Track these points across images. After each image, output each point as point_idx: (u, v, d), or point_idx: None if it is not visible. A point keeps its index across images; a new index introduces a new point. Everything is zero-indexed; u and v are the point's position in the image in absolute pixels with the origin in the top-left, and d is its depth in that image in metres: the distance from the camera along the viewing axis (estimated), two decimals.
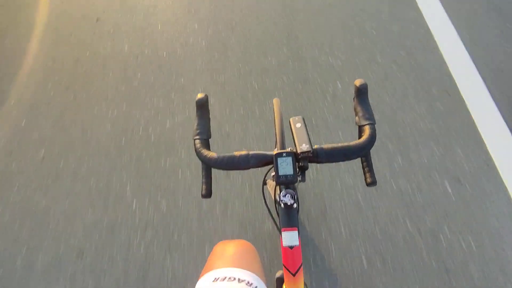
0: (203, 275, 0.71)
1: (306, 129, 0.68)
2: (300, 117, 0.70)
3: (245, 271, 0.70)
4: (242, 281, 0.67)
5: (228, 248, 0.77)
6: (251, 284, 0.67)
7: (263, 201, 0.81)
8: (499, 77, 1.74)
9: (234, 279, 0.67)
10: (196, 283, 0.71)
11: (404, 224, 1.37)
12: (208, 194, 0.71)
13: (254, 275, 0.70)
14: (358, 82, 0.68)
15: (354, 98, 0.70)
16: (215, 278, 0.68)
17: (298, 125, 0.68)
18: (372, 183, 0.68)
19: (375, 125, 0.67)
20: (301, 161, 0.66)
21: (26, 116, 1.81)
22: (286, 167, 0.65)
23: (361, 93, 0.68)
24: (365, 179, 0.69)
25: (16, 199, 1.55)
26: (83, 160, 1.64)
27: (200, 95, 0.71)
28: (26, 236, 1.45)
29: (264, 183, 0.80)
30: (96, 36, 2.13)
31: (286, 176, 0.65)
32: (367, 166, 0.69)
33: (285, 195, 0.68)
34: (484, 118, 1.63)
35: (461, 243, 1.31)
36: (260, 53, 1.94)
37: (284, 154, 0.66)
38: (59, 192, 1.56)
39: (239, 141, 1.62)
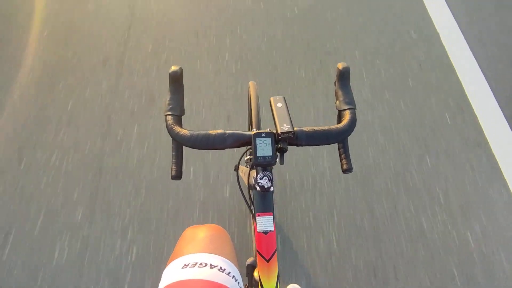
0: (171, 261, 0.65)
1: (288, 110, 0.64)
2: (281, 96, 0.65)
3: (217, 256, 0.65)
4: (214, 266, 0.62)
5: (199, 233, 0.71)
6: (224, 269, 0.62)
7: (238, 185, 0.76)
8: None
9: (206, 265, 0.62)
10: (163, 270, 0.65)
11: None
12: (178, 175, 0.64)
13: (227, 260, 0.66)
14: (340, 66, 0.65)
15: (335, 82, 0.67)
16: (185, 264, 0.62)
17: (279, 104, 0.64)
18: (348, 169, 0.66)
19: (356, 111, 0.65)
20: (281, 142, 0.62)
21: None
22: (264, 148, 0.61)
23: (343, 77, 0.65)
24: (341, 165, 0.66)
25: None
26: None
27: (174, 68, 0.63)
28: None
29: (235, 168, 0.75)
30: None
31: (264, 157, 0.61)
32: (344, 152, 0.66)
33: (262, 178, 0.63)
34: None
35: None
36: None
37: (263, 135, 0.61)
38: None
39: None
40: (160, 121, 1.61)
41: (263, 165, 0.62)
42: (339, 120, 0.65)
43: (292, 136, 0.61)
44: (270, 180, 0.64)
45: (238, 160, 0.71)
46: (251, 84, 0.94)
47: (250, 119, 0.85)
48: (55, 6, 2.03)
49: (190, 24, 1.96)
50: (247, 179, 0.73)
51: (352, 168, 0.65)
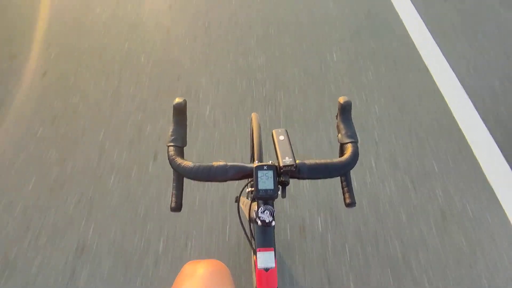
0: None
1: (290, 142, 0.88)
2: (283, 129, 0.91)
3: None
4: None
5: (198, 268, 0.81)
6: None
7: (238, 218, 0.91)
8: None
9: None
10: None
11: None
12: (178, 207, 0.82)
13: None
14: (342, 99, 0.91)
15: (337, 115, 0.93)
16: None
17: (281, 137, 0.89)
18: (351, 203, 0.83)
19: (358, 144, 0.89)
20: (283, 175, 0.83)
21: None
22: (266, 181, 0.81)
23: (345, 110, 0.91)
24: (344, 199, 0.84)
25: None
26: None
27: (178, 100, 0.89)
28: None
29: (236, 200, 0.92)
30: None
31: (266, 190, 0.80)
32: (347, 185, 0.85)
33: (263, 211, 0.81)
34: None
35: None
36: None
37: (265, 167, 0.82)
38: None
39: None
40: None
41: (265, 198, 0.81)
42: (341, 153, 0.88)
43: (294, 169, 0.83)
44: (272, 214, 0.81)
45: (239, 192, 0.89)
46: (253, 115, 1.20)
47: (252, 151, 1.07)
48: None
49: None
50: (248, 211, 0.89)
51: (355, 203, 0.83)
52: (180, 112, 0.89)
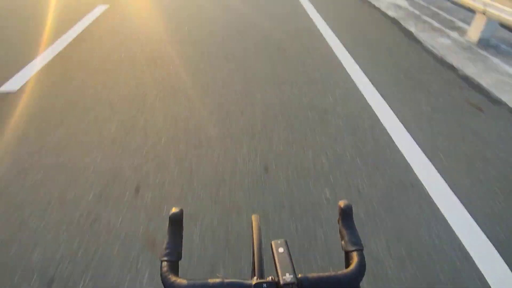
0: None
1: (290, 255, 0.80)
2: (283, 240, 0.83)
3: None
4: None
5: None
6: None
7: None
8: None
9: None
10: None
11: None
12: None
13: None
14: (342, 203, 0.84)
15: (338, 220, 0.86)
16: None
17: (281, 249, 0.81)
18: None
19: (364, 251, 0.82)
20: None
21: None
22: None
23: (346, 214, 0.84)
24: None
25: None
26: None
27: (174, 209, 0.83)
28: None
29: None
30: None
31: None
32: None
33: None
34: None
35: None
36: None
37: (265, 285, 0.75)
38: None
39: None
40: None
41: None
42: (347, 262, 0.81)
43: (296, 287, 0.75)
44: None
45: None
46: (253, 217, 1.12)
47: (253, 262, 1.00)
48: None
49: None
50: None
51: None
52: (176, 223, 0.83)
